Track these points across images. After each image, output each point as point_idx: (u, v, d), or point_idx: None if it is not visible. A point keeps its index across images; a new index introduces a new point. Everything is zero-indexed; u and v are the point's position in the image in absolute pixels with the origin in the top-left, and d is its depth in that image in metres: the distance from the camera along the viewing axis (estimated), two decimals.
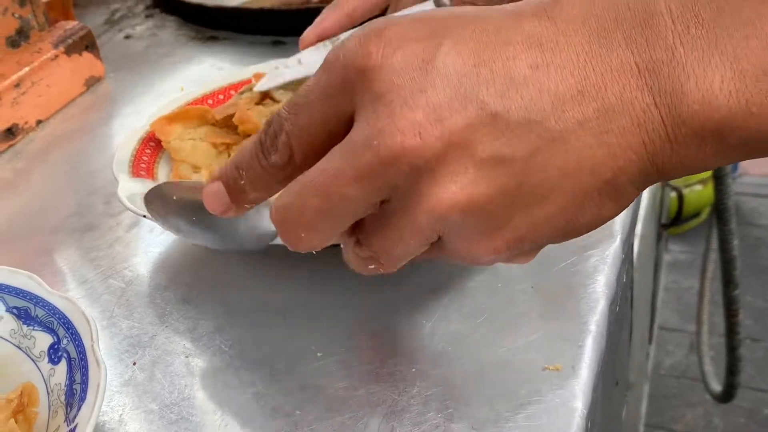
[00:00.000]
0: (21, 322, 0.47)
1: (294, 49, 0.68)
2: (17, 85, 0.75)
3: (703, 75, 0.32)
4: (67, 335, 0.45)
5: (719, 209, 1.35)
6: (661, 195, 1.52)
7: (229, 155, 0.63)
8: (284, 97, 0.66)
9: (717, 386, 1.64)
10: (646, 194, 1.18)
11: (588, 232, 0.36)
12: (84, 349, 0.43)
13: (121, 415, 0.46)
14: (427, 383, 0.46)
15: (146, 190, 0.48)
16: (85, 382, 0.41)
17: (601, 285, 0.51)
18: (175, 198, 0.47)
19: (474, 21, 0.34)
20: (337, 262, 0.42)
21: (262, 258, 0.56)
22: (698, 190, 2.28)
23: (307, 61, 0.65)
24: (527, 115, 0.32)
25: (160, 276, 0.57)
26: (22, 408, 0.40)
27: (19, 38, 0.79)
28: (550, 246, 0.53)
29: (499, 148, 0.32)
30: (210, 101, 0.67)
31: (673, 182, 1.73)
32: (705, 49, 0.32)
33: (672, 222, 1.67)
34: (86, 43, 0.83)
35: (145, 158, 0.61)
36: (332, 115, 0.35)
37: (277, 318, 0.52)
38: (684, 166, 0.34)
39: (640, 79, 0.32)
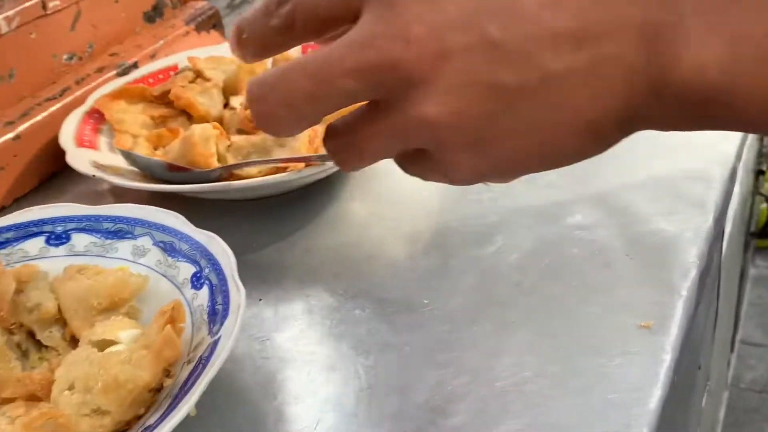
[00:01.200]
0: (166, 255, 0.53)
1: None
2: (152, 56, 0.83)
3: (702, 46, 0.33)
4: (208, 265, 0.51)
5: None
6: (751, 203, 1.51)
7: (164, 126, 0.72)
8: (215, 75, 0.74)
9: None
10: (735, 198, 1.19)
11: (569, 164, 0.38)
12: (225, 277, 0.49)
13: (249, 341, 0.52)
14: (525, 333, 0.50)
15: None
16: (226, 303, 0.47)
17: (693, 256, 0.54)
18: None
19: None
20: None
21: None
22: None
23: None
24: (526, 48, 0.33)
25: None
26: (173, 319, 0.46)
27: (154, 14, 0.86)
28: (645, 219, 0.57)
29: (494, 74, 0.33)
30: (150, 80, 0.77)
31: (764, 191, 1.71)
32: (713, 22, 0.33)
33: (761, 232, 1.66)
34: (214, 22, 0.90)
35: (87, 130, 0.70)
36: (340, 1, 0.35)
37: (387, 270, 0.57)
38: (667, 123, 0.35)
39: (641, 37, 0.33)
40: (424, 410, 0.46)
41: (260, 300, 0.56)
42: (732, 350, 1.66)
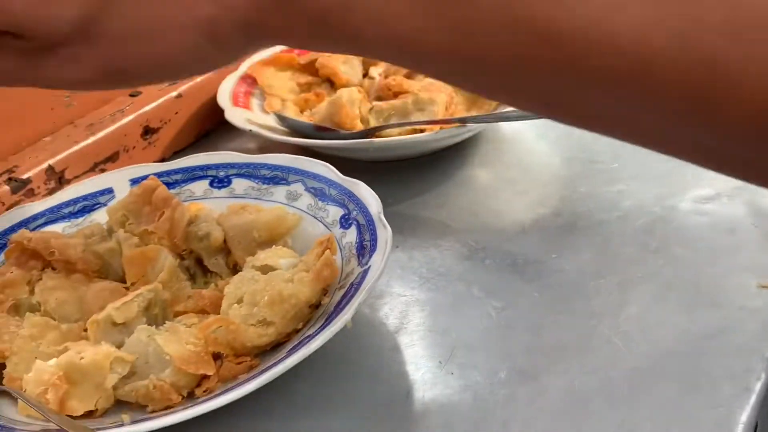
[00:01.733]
0: (317, 199, 0.59)
1: None
2: None
3: None
4: (356, 208, 0.56)
5: None
6: None
7: (310, 90, 0.78)
8: None
9: None
10: None
11: (195, 73, 0.37)
12: (372, 218, 0.54)
13: (388, 279, 0.57)
14: (650, 287, 0.53)
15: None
16: (374, 240, 0.52)
17: None
18: None
19: None
20: None
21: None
22: None
23: None
24: None
25: None
26: (328, 246, 0.51)
27: None
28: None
29: None
30: (297, 51, 0.82)
31: None
32: None
33: None
34: None
35: (241, 93, 0.77)
36: None
37: (515, 228, 0.61)
38: (293, 36, 0.34)
39: None
40: (554, 347, 0.49)
41: (397, 247, 0.60)
42: None
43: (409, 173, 0.70)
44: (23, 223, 0.59)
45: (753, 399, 0.44)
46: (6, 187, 0.63)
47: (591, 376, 0.47)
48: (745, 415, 0.43)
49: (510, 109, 0.67)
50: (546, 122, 0.74)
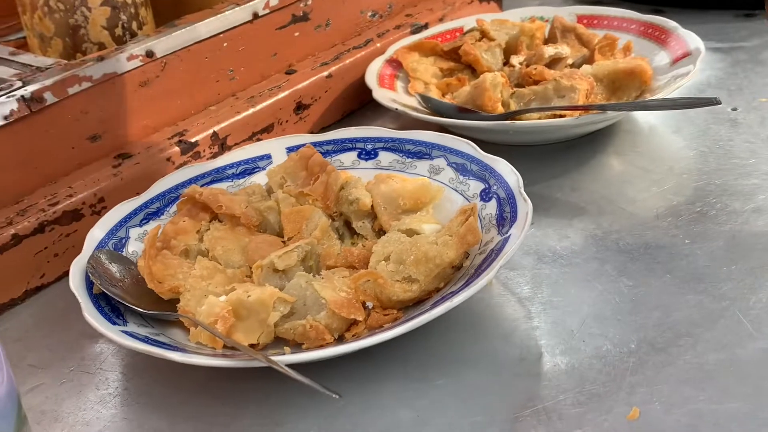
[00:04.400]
0: (458, 174, 0.63)
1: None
2: (441, 19, 0.93)
3: None
4: (496, 183, 0.59)
5: None
6: None
7: (452, 75, 0.82)
8: (498, 36, 0.82)
9: None
10: None
11: None
12: (512, 192, 0.57)
13: (523, 253, 0.60)
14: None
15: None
16: (514, 212, 0.55)
17: None
18: None
19: None
20: None
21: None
22: None
23: None
24: None
25: None
26: (471, 214, 0.55)
27: None
28: None
29: None
30: (440, 38, 0.87)
31: None
32: None
33: None
34: None
35: (387, 75, 0.82)
36: None
37: (648, 213, 0.63)
38: None
39: None
40: (683, 324, 0.51)
41: (532, 224, 0.63)
42: None
43: (544, 158, 0.72)
44: (192, 180, 0.65)
45: None
46: (176, 148, 0.70)
47: (719, 352, 0.49)
48: None
49: (650, 98, 0.69)
50: (682, 116, 0.76)
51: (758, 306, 0.52)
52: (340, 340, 0.51)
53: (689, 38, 0.77)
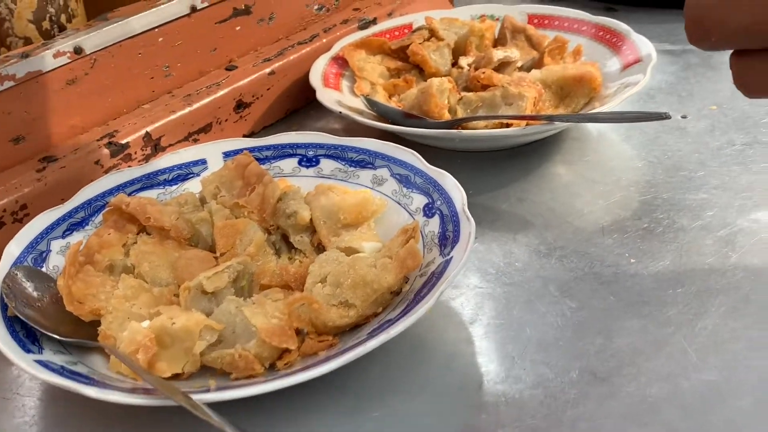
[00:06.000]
0: (402, 186, 0.60)
1: None
2: (390, 14, 0.90)
3: None
4: (440, 198, 0.57)
5: None
6: None
7: (399, 75, 0.79)
8: (447, 35, 0.80)
9: None
10: None
11: None
12: (456, 210, 0.55)
13: (465, 271, 0.58)
14: (728, 299, 0.53)
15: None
16: (457, 231, 0.53)
17: None
18: None
19: None
20: None
21: None
22: None
23: None
24: None
25: None
26: (413, 235, 0.52)
27: None
28: None
29: None
30: (387, 36, 0.84)
31: None
32: None
33: None
34: None
35: (332, 74, 0.79)
36: None
37: (594, 228, 0.61)
38: None
39: None
40: (626, 351, 0.50)
41: (475, 239, 0.61)
42: None
43: (491, 166, 0.70)
44: (121, 187, 0.62)
45: None
46: (106, 151, 0.66)
47: (662, 383, 0.47)
48: None
49: (598, 109, 0.67)
50: (632, 125, 0.74)
51: (704, 333, 0.51)
52: (272, 368, 0.49)
53: (641, 43, 0.76)
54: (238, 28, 0.78)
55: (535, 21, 0.84)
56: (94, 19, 0.70)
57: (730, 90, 0.79)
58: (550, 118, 0.65)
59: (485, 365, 0.50)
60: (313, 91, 0.75)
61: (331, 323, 0.49)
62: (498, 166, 0.70)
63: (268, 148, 0.65)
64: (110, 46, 0.68)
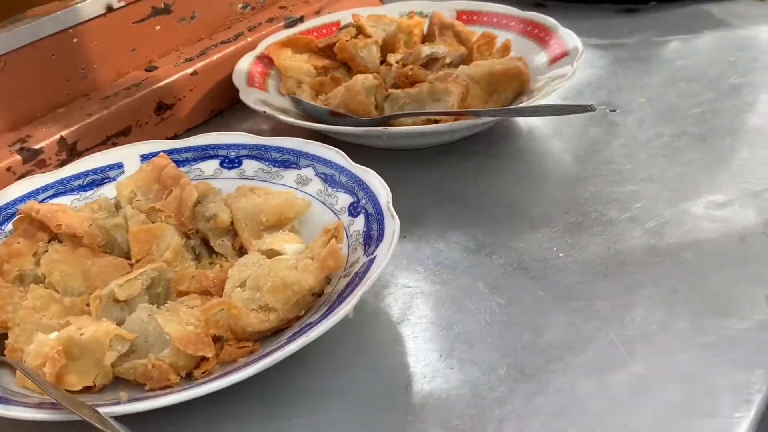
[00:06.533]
0: (327, 185, 0.59)
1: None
2: (317, 12, 0.88)
3: None
4: (365, 197, 0.56)
5: None
6: None
7: (327, 74, 0.77)
8: (375, 32, 0.78)
9: None
10: None
11: None
12: (380, 208, 0.54)
13: (394, 269, 0.57)
14: (655, 291, 0.53)
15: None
16: (381, 230, 0.52)
17: None
18: None
19: None
20: None
21: None
22: None
23: None
24: None
25: None
26: (335, 235, 0.51)
27: None
28: None
29: None
30: (315, 33, 0.83)
31: None
32: None
33: None
34: None
35: (257, 73, 0.76)
36: None
37: (523, 223, 0.61)
38: None
39: None
40: (554, 346, 0.49)
41: (404, 237, 0.60)
42: None
43: (421, 163, 0.69)
44: (32, 194, 0.59)
45: (753, 411, 0.44)
46: (17, 157, 0.64)
47: (590, 378, 0.47)
48: (743, 427, 0.43)
49: (527, 103, 0.67)
50: (562, 119, 0.74)
51: (632, 326, 0.50)
52: (189, 377, 0.47)
53: (568, 37, 0.75)
54: (158, 27, 0.76)
55: (464, 17, 0.84)
56: (5, 20, 0.67)
57: (659, 83, 0.80)
58: (477, 113, 0.64)
59: (413, 366, 0.49)
60: (238, 92, 0.73)
61: (250, 328, 0.47)
62: (428, 163, 0.69)
63: (188, 149, 0.63)
64: (22, 47, 0.65)
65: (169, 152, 0.62)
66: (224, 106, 0.79)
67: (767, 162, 0.65)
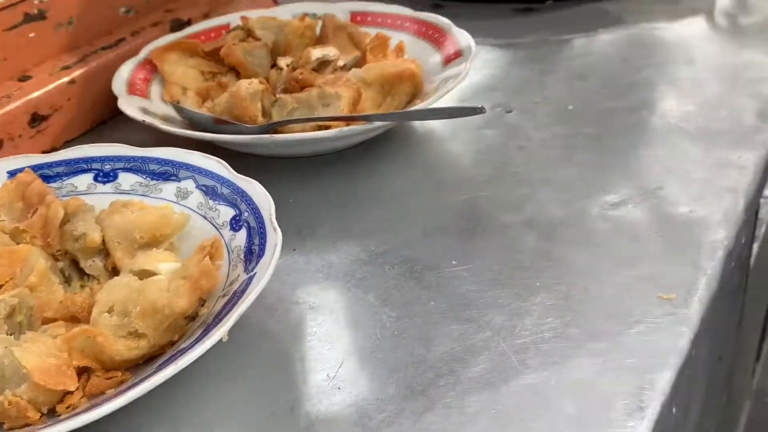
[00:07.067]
0: (208, 198, 0.56)
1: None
2: (206, 15, 0.85)
3: None
4: (247, 210, 0.53)
5: None
6: None
7: (214, 79, 0.74)
8: (265, 35, 0.76)
9: None
10: None
11: None
12: (263, 221, 0.51)
13: (281, 285, 0.54)
14: (548, 297, 0.51)
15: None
16: (263, 244, 0.49)
17: (721, 236, 0.55)
18: None
19: None
20: None
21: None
22: None
23: None
24: None
25: None
26: (211, 255, 0.48)
27: None
28: (677, 200, 0.58)
29: None
30: (203, 37, 0.80)
31: None
32: None
33: None
34: None
35: (139, 80, 0.73)
36: None
37: (417, 231, 0.59)
38: None
39: None
40: (445, 360, 0.47)
41: (294, 250, 0.58)
42: (758, 359, 1.64)
43: (312, 170, 0.67)
44: None
45: (646, 419, 0.43)
46: None
47: (481, 392, 0.45)
48: None
49: (419, 107, 0.65)
50: (458, 122, 0.72)
51: (524, 334, 0.49)
52: (52, 413, 0.43)
53: (461, 37, 0.74)
54: (32, 35, 0.71)
55: (358, 18, 0.81)
56: None
57: (555, 83, 0.79)
58: (367, 118, 0.62)
59: (299, 387, 0.46)
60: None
61: (119, 357, 0.44)
62: (320, 171, 0.67)
63: (59, 164, 0.59)
64: None
65: (39, 167, 0.58)
66: (107, 116, 0.75)
67: (661, 160, 0.65)
